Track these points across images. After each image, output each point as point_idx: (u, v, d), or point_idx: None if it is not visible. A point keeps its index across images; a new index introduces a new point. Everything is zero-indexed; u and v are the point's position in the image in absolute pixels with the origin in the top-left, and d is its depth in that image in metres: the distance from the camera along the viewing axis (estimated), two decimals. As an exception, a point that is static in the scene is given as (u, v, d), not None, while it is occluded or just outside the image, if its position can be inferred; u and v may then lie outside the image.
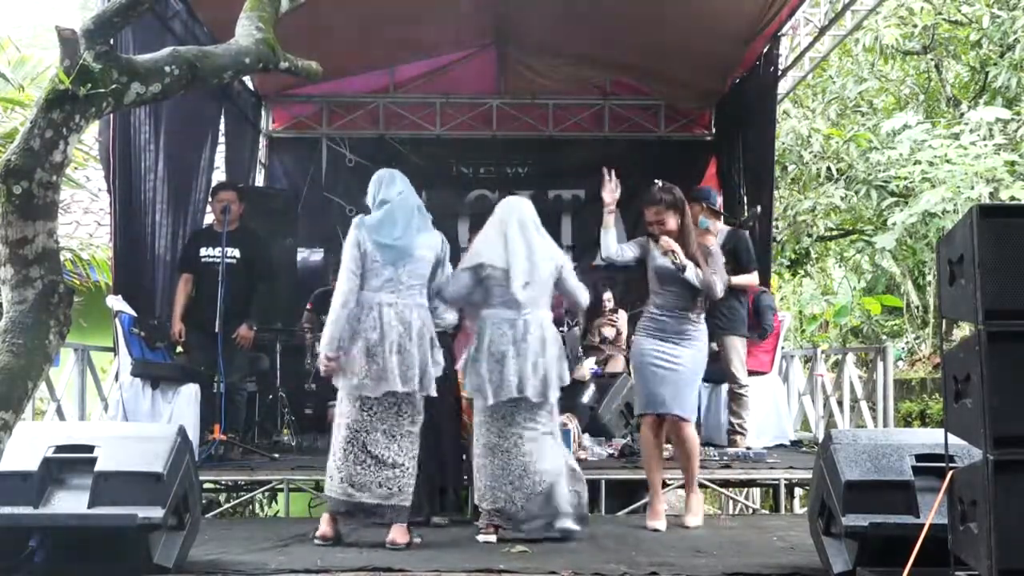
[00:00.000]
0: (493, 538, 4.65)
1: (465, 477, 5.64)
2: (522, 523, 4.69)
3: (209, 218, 7.47)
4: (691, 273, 4.98)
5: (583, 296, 4.96)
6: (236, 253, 6.57)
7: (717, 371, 6.69)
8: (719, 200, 6.94)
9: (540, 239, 4.82)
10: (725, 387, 7.08)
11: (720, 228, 6.67)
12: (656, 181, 5.21)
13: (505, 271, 4.70)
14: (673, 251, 4.96)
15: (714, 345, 6.59)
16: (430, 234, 4.66)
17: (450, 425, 5.36)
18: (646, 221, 5.15)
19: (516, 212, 4.86)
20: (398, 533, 4.47)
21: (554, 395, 4.75)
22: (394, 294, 4.50)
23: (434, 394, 4.55)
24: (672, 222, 5.03)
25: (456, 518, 5.26)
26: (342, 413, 4.57)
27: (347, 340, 4.46)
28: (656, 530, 5.03)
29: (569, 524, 4.69)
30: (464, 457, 5.36)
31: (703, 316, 5.20)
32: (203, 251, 6.67)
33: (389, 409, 4.49)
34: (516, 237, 4.76)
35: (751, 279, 6.69)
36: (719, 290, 5.09)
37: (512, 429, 4.70)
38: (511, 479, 4.67)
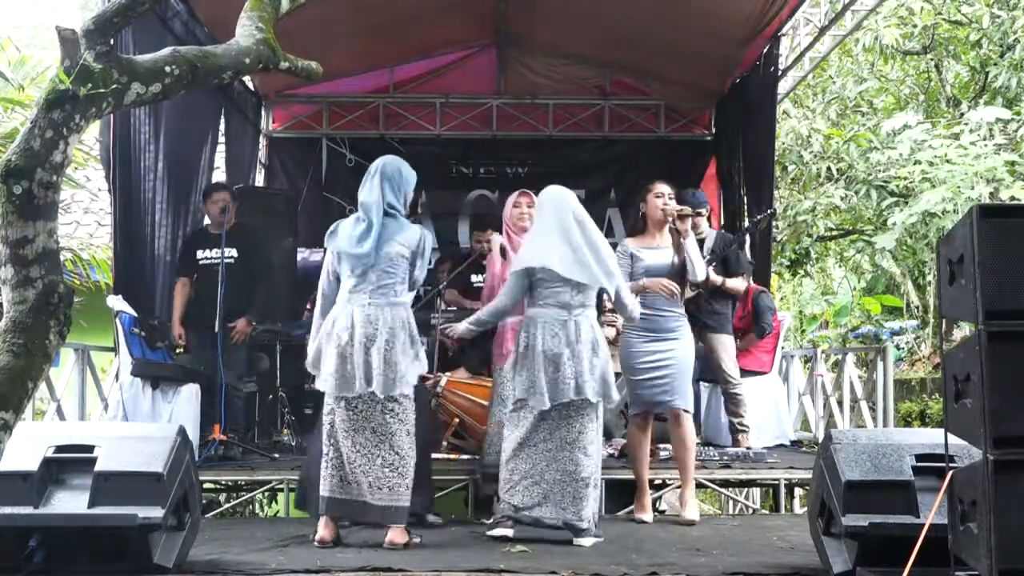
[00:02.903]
0: (510, 532, 4.62)
1: (467, 477, 5.65)
2: (534, 520, 4.65)
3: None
4: (691, 242, 5.10)
5: (624, 290, 4.87)
6: (233, 253, 6.57)
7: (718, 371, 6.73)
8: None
9: (595, 235, 4.77)
10: (725, 387, 7.10)
11: (709, 231, 6.76)
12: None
13: (558, 276, 4.66)
14: (679, 211, 5.12)
15: (700, 344, 6.65)
16: (405, 231, 4.58)
17: (428, 424, 5.36)
18: (656, 196, 5.21)
19: (568, 209, 4.78)
20: (396, 534, 4.47)
21: (615, 392, 4.75)
22: (366, 295, 4.51)
23: (407, 392, 4.50)
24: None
25: (451, 516, 5.23)
26: (325, 413, 4.60)
27: (324, 344, 4.55)
28: (643, 522, 5.16)
29: (586, 541, 4.62)
30: (461, 456, 5.37)
31: (684, 310, 5.31)
32: (200, 253, 6.68)
33: (371, 408, 4.48)
34: (579, 240, 4.70)
35: (739, 284, 6.75)
36: (702, 273, 5.16)
37: (567, 426, 4.65)
38: (534, 476, 4.64)
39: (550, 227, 4.77)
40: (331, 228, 4.69)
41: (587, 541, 4.61)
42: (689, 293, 6.40)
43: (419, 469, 5.11)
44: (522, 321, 4.81)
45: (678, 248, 5.13)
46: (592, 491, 4.69)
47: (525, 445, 4.67)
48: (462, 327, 5.01)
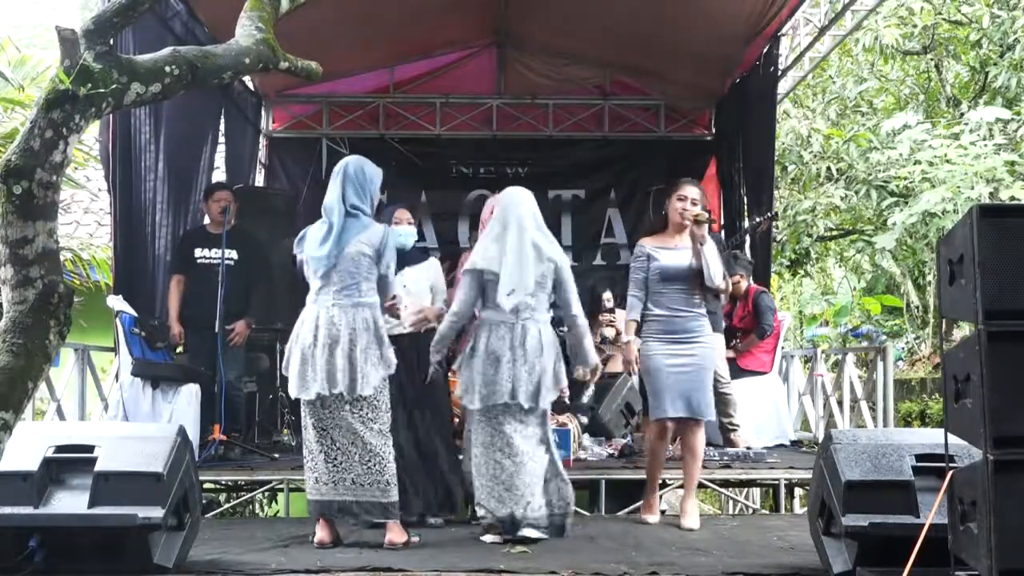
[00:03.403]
0: (499, 539, 4.62)
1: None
2: (514, 524, 4.64)
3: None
4: (710, 247, 5.02)
5: (575, 305, 4.84)
6: (233, 254, 6.56)
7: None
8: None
9: (539, 239, 4.76)
10: (724, 387, 7.11)
11: None
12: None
13: (499, 276, 4.68)
14: (695, 216, 5.02)
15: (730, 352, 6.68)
16: (367, 230, 4.56)
17: (438, 423, 5.34)
18: (678, 199, 5.13)
19: (515, 212, 4.79)
20: (394, 533, 4.48)
21: (546, 401, 4.71)
22: (329, 296, 4.51)
23: (367, 394, 4.46)
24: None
25: (452, 518, 5.23)
26: (303, 416, 4.59)
27: (292, 346, 4.57)
28: (649, 523, 5.13)
29: (531, 533, 4.62)
30: (460, 457, 5.36)
31: (705, 310, 5.21)
32: (198, 252, 6.65)
33: (338, 409, 4.47)
34: (511, 241, 4.71)
35: (728, 287, 6.77)
36: (719, 279, 5.07)
37: (503, 429, 4.67)
38: (503, 480, 4.65)
39: (497, 229, 4.79)
40: (299, 235, 4.70)
41: (532, 533, 4.60)
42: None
43: (422, 471, 5.10)
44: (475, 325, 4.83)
45: (697, 254, 5.05)
46: (538, 482, 4.67)
47: (490, 448, 4.68)
48: (433, 355, 4.91)
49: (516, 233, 4.73)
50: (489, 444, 4.70)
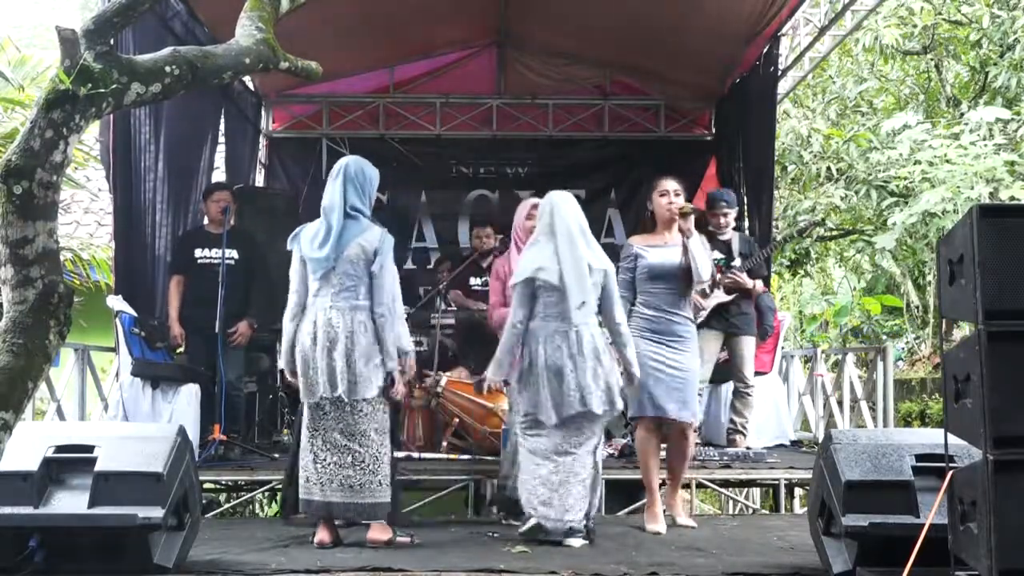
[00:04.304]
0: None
1: (467, 477, 5.65)
2: (551, 529, 4.58)
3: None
4: (695, 241, 4.99)
5: (619, 313, 4.77)
6: (234, 254, 6.55)
7: (719, 371, 6.72)
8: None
9: (586, 250, 4.68)
10: (725, 387, 7.09)
11: (733, 233, 6.72)
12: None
13: (556, 287, 4.58)
14: (680, 209, 5.00)
15: (724, 354, 6.65)
16: (366, 233, 4.54)
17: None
18: (660, 195, 5.11)
19: (563, 222, 4.68)
20: (377, 531, 4.49)
21: (620, 402, 4.67)
22: (328, 299, 4.51)
23: (369, 396, 4.45)
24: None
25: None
26: (302, 416, 4.60)
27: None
28: (657, 533, 4.96)
29: (575, 543, 4.57)
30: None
31: (691, 313, 5.16)
32: (198, 252, 6.63)
33: (338, 411, 4.47)
34: (565, 253, 4.62)
35: (760, 286, 6.80)
36: (706, 273, 5.03)
37: (557, 433, 4.59)
38: (548, 485, 4.57)
39: (545, 238, 4.71)
40: (294, 232, 4.68)
41: (576, 542, 4.57)
42: (723, 296, 6.41)
43: None
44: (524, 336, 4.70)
45: (684, 249, 5.00)
46: (592, 494, 4.67)
47: (544, 457, 4.61)
48: (492, 376, 4.80)
49: (567, 244, 4.64)
50: (540, 451, 4.61)
